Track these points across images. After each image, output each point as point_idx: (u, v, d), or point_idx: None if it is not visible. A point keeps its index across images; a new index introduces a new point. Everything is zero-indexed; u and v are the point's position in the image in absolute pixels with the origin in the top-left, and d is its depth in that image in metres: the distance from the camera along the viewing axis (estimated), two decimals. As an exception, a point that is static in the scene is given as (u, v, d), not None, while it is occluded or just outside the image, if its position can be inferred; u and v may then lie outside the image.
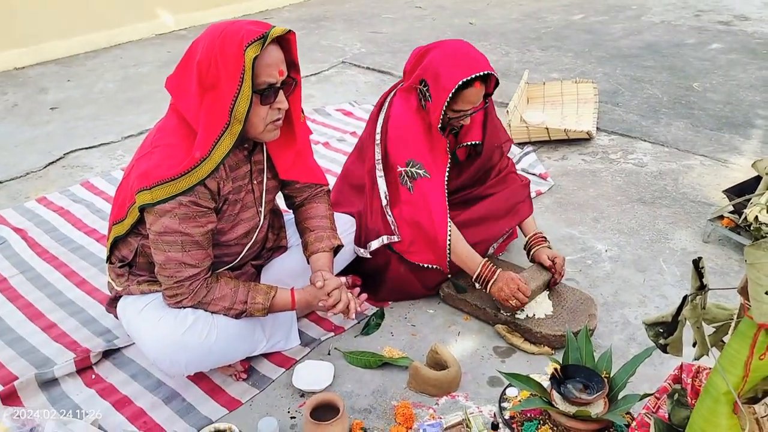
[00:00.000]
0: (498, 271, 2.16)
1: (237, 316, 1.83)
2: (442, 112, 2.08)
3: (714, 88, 4.31)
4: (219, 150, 1.63)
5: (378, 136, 2.26)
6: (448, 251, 2.18)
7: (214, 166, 1.64)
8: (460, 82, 2.02)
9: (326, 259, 1.97)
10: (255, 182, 1.87)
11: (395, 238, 2.21)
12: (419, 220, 2.18)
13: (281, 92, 1.68)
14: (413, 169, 2.17)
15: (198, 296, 1.77)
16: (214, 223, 1.76)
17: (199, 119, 1.62)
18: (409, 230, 2.21)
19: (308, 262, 2.00)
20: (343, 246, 2.07)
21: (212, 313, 1.81)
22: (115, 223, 1.82)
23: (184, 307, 1.78)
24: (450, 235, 2.17)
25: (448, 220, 2.17)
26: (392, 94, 2.30)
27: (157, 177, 1.62)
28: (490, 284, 2.15)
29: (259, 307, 1.83)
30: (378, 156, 2.25)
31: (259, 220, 1.92)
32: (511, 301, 2.10)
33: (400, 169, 2.19)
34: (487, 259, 2.21)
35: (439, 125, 2.12)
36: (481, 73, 2.03)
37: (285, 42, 1.67)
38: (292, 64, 1.72)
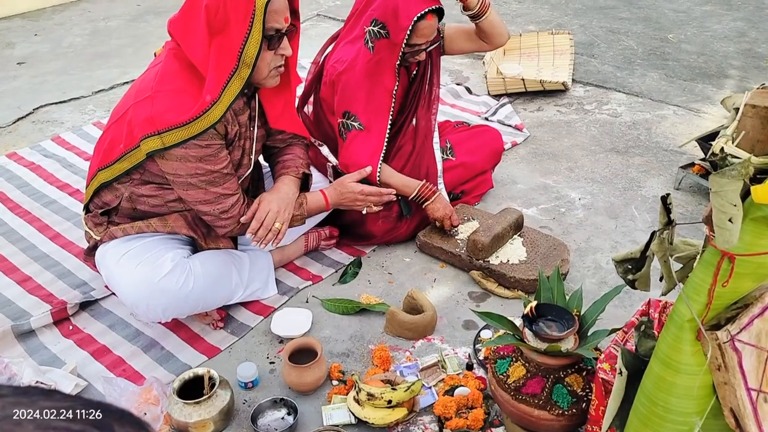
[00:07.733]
0: (439, 192, 2.26)
1: None
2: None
3: (689, 40, 4.32)
4: (228, 94, 1.65)
5: (319, 73, 2.31)
6: (378, 173, 2.20)
7: (225, 110, 1.66)
8: (416, 17, 2.04)
9: (291, 182, 1.98)
10: (251, 129, 1.88)
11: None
12: (348, 164, 2.20)
13: (285, 38, 1.72)
14: (348, 121, 2.19)
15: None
16: (228, 156, 1.79)
17: (206, 63, 1.63)
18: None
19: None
20: (311, 176, 2.09)
21: None
22: (101, 169, 1.80)
23: (234, 235, 1.91)
24: (380, 170, 2.20)
25: (380, 163, 2.20)
26: (338, 37, 2.31)
27: (166, 123, 1.62)
28: (427, 203, 2.25)
29: (297, 218, 1.97)
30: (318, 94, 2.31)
31: (250, 168, 1.93)
32: (438, 215, 2.26)
33: (339, 120, 2.21)
34: (426, 181, 2.27)
35: (398, 62, 2.13)
36: (434, 7, 2.07)
37: None
38: (294, 12, 1.75)
